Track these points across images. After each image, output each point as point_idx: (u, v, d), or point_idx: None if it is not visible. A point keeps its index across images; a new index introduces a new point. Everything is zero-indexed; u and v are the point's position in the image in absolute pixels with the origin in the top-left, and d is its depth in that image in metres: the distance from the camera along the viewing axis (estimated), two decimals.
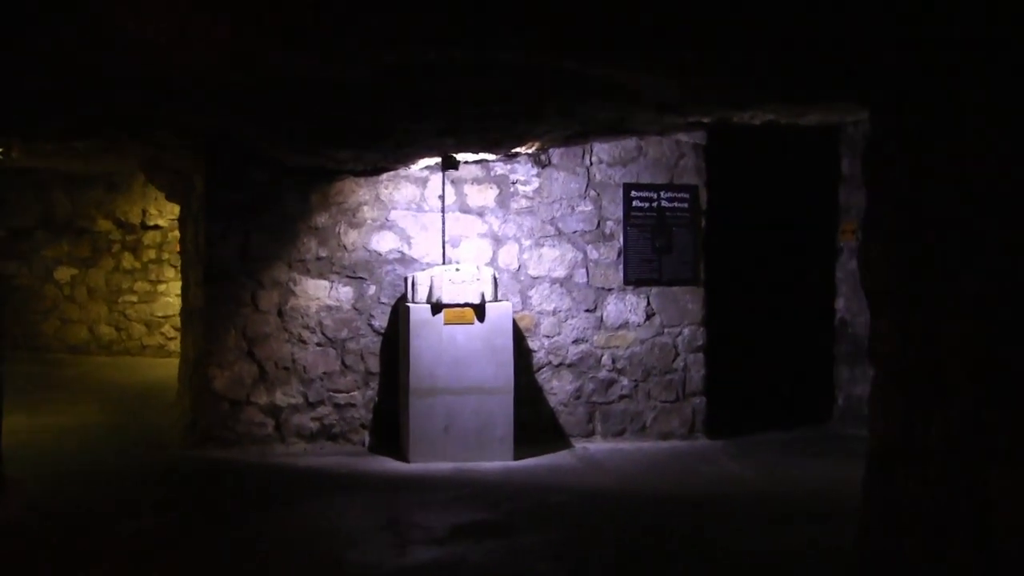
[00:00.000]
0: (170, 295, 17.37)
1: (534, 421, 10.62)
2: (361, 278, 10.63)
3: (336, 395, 10.61)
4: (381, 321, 10.64)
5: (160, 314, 17.55)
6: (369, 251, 10.65)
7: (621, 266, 11.02)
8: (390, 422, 10.53)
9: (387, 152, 9.57)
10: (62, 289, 17.80)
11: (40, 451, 10.22)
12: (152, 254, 17.84)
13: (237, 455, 10.20)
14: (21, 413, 11.79)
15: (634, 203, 11.04)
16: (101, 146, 10.61)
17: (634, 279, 11.04)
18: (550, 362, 10.89)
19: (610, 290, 11.00)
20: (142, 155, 11.46)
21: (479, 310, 9.96)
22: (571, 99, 7.57)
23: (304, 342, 10.56)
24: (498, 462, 9.89)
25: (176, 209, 13.97)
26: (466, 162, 10.61)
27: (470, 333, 9.97)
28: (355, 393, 10.64)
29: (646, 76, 6.52)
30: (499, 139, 9.46)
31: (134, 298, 17.85)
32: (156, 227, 17.64)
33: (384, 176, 10.66)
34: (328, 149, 9.43)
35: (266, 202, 10.45)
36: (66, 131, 9.54)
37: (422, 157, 10.18)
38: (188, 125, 8.85)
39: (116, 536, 7.57)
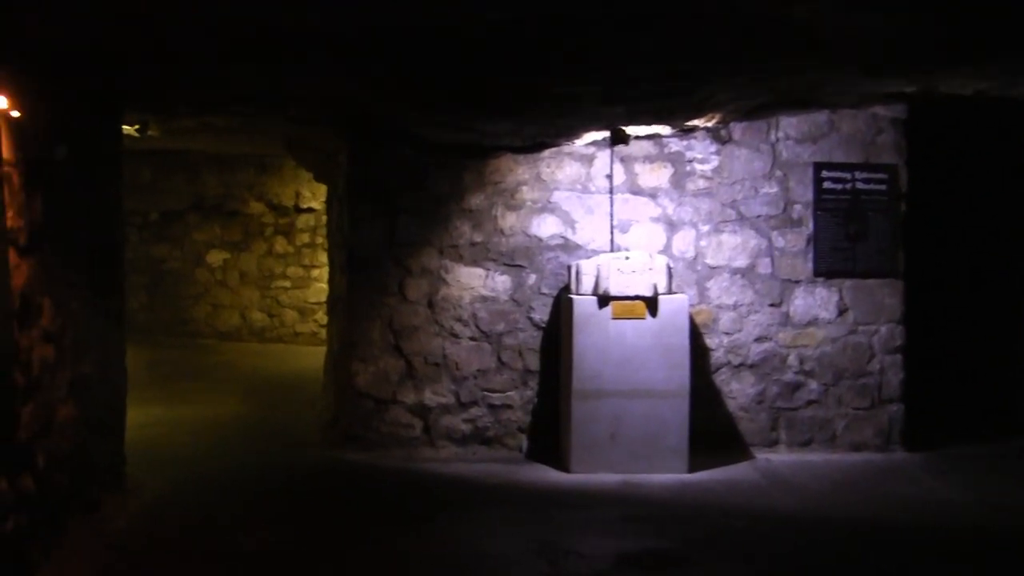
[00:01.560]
0: (323, 280, 16.63)
1: (710, 428, 9.50)
2: (520, 266, 9.65)
3: (491, 395, 9.67)
4: (541, 314, 9.65)
5: (313, 300, 16.91)
6: (529, 236, 9.67)
7: (810, 255, 9.80)
8: (550, 426, 9.55)
9: (546, 124, 8.51)
10: (214, 273, 17.32)
11: (171, 448, 9.59)
12: (305, 238, 17.22)
13: (380, 458, 9.36)
14: (159, 404, 11.27)
15: (825, 184, 9.81)
16: (239, 123, 9.85)
17: (825, 270, 9.81)
18: (729, 362, 9.74)
19: (797, 282, 9.79)
20: (286, 133, 10.75)
21: (651, 303, 8.91)
22: (757, 59, 6.43)
23: (456, 336, 9.64)
24: (670, 475, 8.85)
25: None
26: (637, 137, 9.52)
27: (640, 329, 8.92)
28: (512, 393, 9.68)
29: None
30: (673, 108, 8.34)
31: (287, 283, 17.28)
32: (309, 210, 17.02)
33: (545, 153, 9.66)
34: (476, 119, 8.42)
35: (415, 182, 9.58)
36: (201, 106, 8.78)
37: (587, 130, 9.12)
38: (324, 96, 7.99)
39: (231, 553, 6.86)
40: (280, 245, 17.23)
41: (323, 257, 16.66)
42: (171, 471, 8.71)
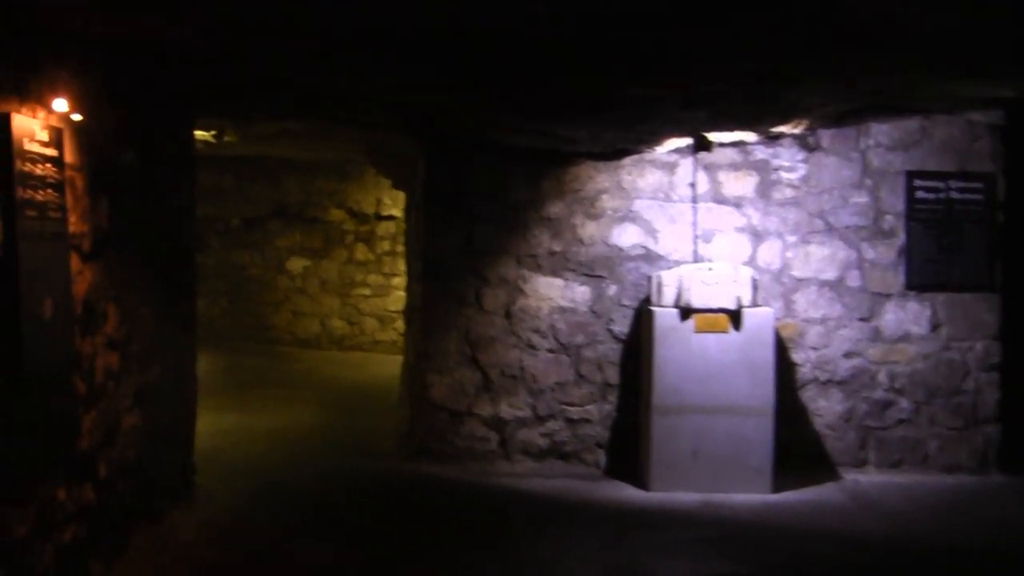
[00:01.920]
0: (402, 289, 16.46)
1: (795, 446, 9.14)
2: (600, 276, 9.39)
3: (569, 408, 9.41)
4: (622, 326, 9.38)
5: (393, 308, 16.74)
6: (609, 246, 9.40)
7: (902, 268, 9.39)
8: (629, 442, 9.26)
9: (625, 129, 8.24)
10: (294, 280, 17.23)
11: (244, 456, 9.47)
12: (386, 245, 17.07)
13: (454, 472, 9.15)
14: (234, 412, 11.19)
15: (918, 194, 9.40)
16: (315, 128, 9.73)
17: (917, 283, 9.40)
18: (816, 378, 9.37)
19: (888, 296, 9.39)
20: (365, 139, 10.60)
21: (735, 316, 8.60)
22: (850, 59, 6.10)
23: (534, 348, 9.40)
24: (752, 495, 8.53)
25: None
26: (721, 144, 9.22)
27: (724, 343, 8.61)
28: (590, 407, 9.41)
29: None
30: (759, 113, 8.02)
31: (367, 291, 17.13)
32: (391, 217, 16.88)
33: (626, 160, 9.40)
34: (552, 124, 8.17)
35: (493, 189, 9.36)
36: (274, 111, 8.66)
37: (668, 137, 8.84)
38: (398, 101, 7.81)
39: (299, 567, 6.72)
40: (361, 253, 17.11)
41: (403, 265, 16.49)
42: (242, 481, 8.57)
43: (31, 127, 4.90)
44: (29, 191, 4.84)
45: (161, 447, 7.24)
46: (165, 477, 7.37)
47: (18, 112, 4.78)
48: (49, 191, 5.10)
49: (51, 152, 5.14)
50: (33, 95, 5.01)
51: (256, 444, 10.01)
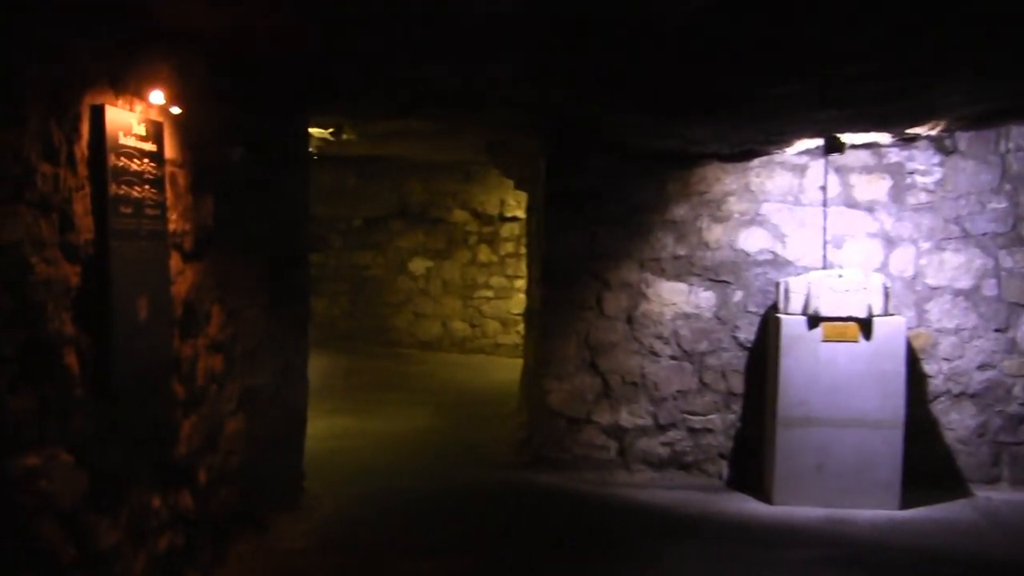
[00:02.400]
0: (525, 291, 16.25)
1: (924, 462, 8.60)
2: (725, 282, 8.98)
3: (691, 418, 9.03)
4: (747, 333, 8.95)
5: (516, 311, 16.46)
6: (735, 250, 8.99)
7: None
8: (752, 453, 8.84)
9: (754, 129, 7.80)
10: (416, 281, 17.08)
11: (357, 462, 9.28)
12: (510, 247, 16.82)
13: (571, 481, 8.83)
14: (349, 415, 11.03)
15: None
16: (436, 127, 9.50)
17: None
18: (948, 391, 8.81)
19: None
20: (487, 138, 10.36)
21: (865, 325, 8.13)
22: (1004, 54, 5.61)
23: (656, 354, 9.03)
24: (879, 511, 8.09)
25: None
26: (853, 146, 8.72)
27: (853, 353, 8.15)
28: (713, 416, 9.01)
29: None
30: (896, 113, 7.51)
31: (490, 293, 16.91)
32: (514, 219, 16.63)
33: (755, 162, 8.97)
34: (679, 123, 7.76)
35: (615, 191, 9.01)
36: (391, 108, 8.42)
37: (799, 138, 8.38)
38: (518, 99, 7.50)
39: None
40: (484, 254, 16.89)
41: (526, 267, 16.24)
42: (353, 487, 8.37)
43: (127, 121, 4.71)
44: (124, 187, 4.65)
45: (268, 452, 7.05)
46: (271, 483, 7.18)
47: (113, 105, 4.60)
48: (147, 187, 4.92)
49: (149, 147, 4.95)
50: (130, 87, 4.82)
51: (369, 449, 9.81)
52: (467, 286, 16.96)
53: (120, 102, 4.71)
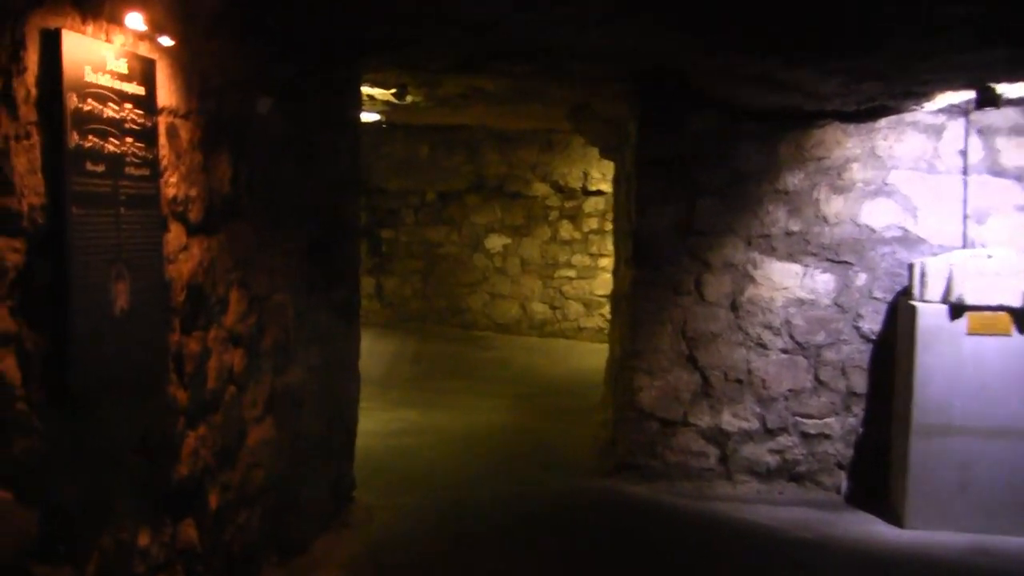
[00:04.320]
0: (611, 271, 15.02)
1: None
2: (846, 263, 7.73)
3: (804, 421, 7.81)
4: (872, 323, 7.70)
5: (600, 293, 15.30)
6: (858, 226, 7.74)
7: None
8: (878, 464, 7.62)
9: (895, 76, 6.44)
10: (492, 260, 15.95)
11: (417, 464, 8.23)
12: (593, 223, 15.65)
13: (664, 492, 7.70)
14: (413, 407, 9.98)
15: None
16: (510, 87, 8.35)
17: None
18: None
19: None
20: (567, 101, 9.20)
21: (1019, 316, 6.84)
22: None
23: (764, 347, 7.82)
24: None
25: None
26: (1008, 100, 7.35)
27: (1005, 349, 6.92)
28: (831, 420, 7.78)
29: None
30: None
31: (571, 273, 15.76)
32: (599, 192, 15.44)
33: (882, 122, 7.71)
34: (796, 71, 6.44)
35: (718, 156, 7.80)
36: (457, 62, 7.29)
37: (944, 88, 6.93)
38: (609, 51, 6.33)
39: None
40: (565, 231, 15.72)
41: (612, 245, 15.03)
42: (412, 497, 7.29)
43: (98, 53, 3.60)
44: (91, 138, 3.54)
45: (305, 462, 5.96)
46: (311, 497, 6.08)
47: (77, 30, 3.49)
48: (128, 140, 3.80)
49: (133, 89, 3.84)
50: (105, 10, 3.71)
51: (433, 449, 8.71)
52: (547, 265, 15.82)
53: (88, 28, 3.59)
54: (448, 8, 5.47)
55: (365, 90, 8.29)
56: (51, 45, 3.35)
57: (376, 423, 8.14)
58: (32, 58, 3.27)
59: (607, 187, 15.02)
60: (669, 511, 7.29)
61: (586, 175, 15.45)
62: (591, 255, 15.70)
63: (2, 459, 3.15)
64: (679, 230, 7.81)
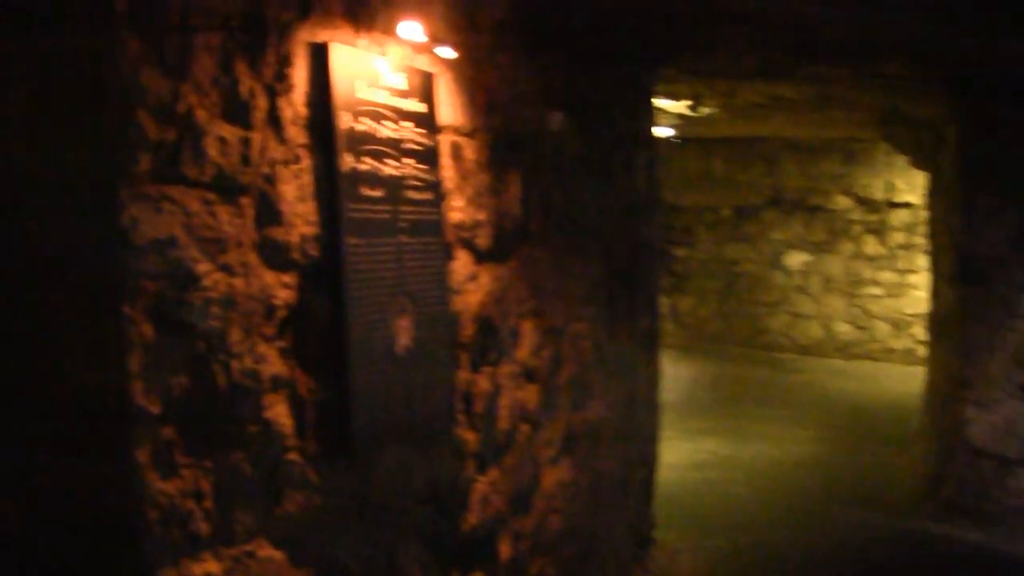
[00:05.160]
0: (921, 288, 13.93)
1: None
2: None
3: None
4: None
5: (909, 311, 14.28)
6: None
7: None
8: None
9: None
10: (792, 278, 15.14)
11: (720, 501, 7.74)
12: (900, 238, 14.62)
13: (1000, 541, 6.85)
14: (714, 437, 9.47)
15: None
16: (813, 93, 7.77)
17: None
18: None
19: None
20: (875, 107, 8.54)
21: None
22: None
23: None
24: None
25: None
26: None
27: None
28: None
29: None
30: None
31: (878, 291, 14.77)
32: (905, 205, 14.42)
33: None
34: None
35: None
36: (764, 71, 6.78)
37: None
38: (927, 49, 5.68)
39: None
40: (870, 246, 14.76)
41: (921, 261, 14.00)
42: (716, 538, 6.76)
43: (372, 67, 3.30)
44: (367, 160, 3.24)
45: (604, 504, 5.54)
46: (608, 541, 5.65)
47: (348, 43, 3.20)
48: (409, 161, 3.49)
49: (413, 106, 3.52)
50: (379, 20, 3.40)
51: (737, 483, 8.14)
52: (851, 283, 14.87)
53: (361, 40, 3.29)
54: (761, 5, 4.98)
55: (657, 103, 7.86)
56: (320, 60, 3.07)
57: (675, 454, 7.67)
58: (299, 75, 2.99)
59: (913, 198, 14.04)
60: (1005, 560, 6.48)
61: (890, 186, 14.48)
62: (898, 271, 14.68)
63: (273, 516, 2.87)
64: (1015, 247, 6.98)
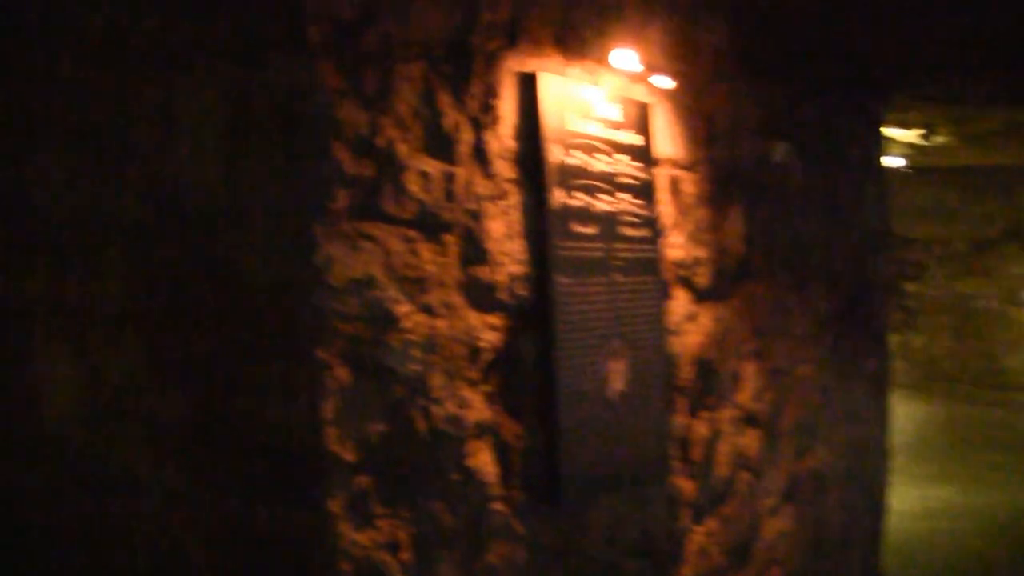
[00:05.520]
0: None
1: None
2: None
3: None
4: None
5: None
6: None
7: None
8: None
9: None
10: None
11: (952, 554, 7.17)
12: None
13: None
14: (946, 483, 8.99)
15: None
16: None
17: None
18: None
19: None
20: None
21: None
22: None
23: None
24: None
25: None
26: None
27: None
28: None
29: None
30: None
31: None
32: None
33: None
34: None
35: None
36: (1006, 95, 6.37)
37: None
38: None
39: None
40: None
41: None
42: None
43: (584, 97, 3.16)
44: (579, 195, 3.09)
45: (828, 555, 5.22)
46: None
47: (558, 72, 3.06)
48: (624, 196, 3.33)
49: (626, 138, 3.36)
50: (591, 48, 3.25)
51: (969, 535, 7.60)
52: None
53: (572, 69, 3.15)
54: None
55: (887, 132, 7.49)
56: (528, 91, 2.94)
57: (904, 502, 7.24)
58: (507, 107, 2.87)
59: None
60: None
61: None
62: None
63: (475, 569, 2.74)
64: None
